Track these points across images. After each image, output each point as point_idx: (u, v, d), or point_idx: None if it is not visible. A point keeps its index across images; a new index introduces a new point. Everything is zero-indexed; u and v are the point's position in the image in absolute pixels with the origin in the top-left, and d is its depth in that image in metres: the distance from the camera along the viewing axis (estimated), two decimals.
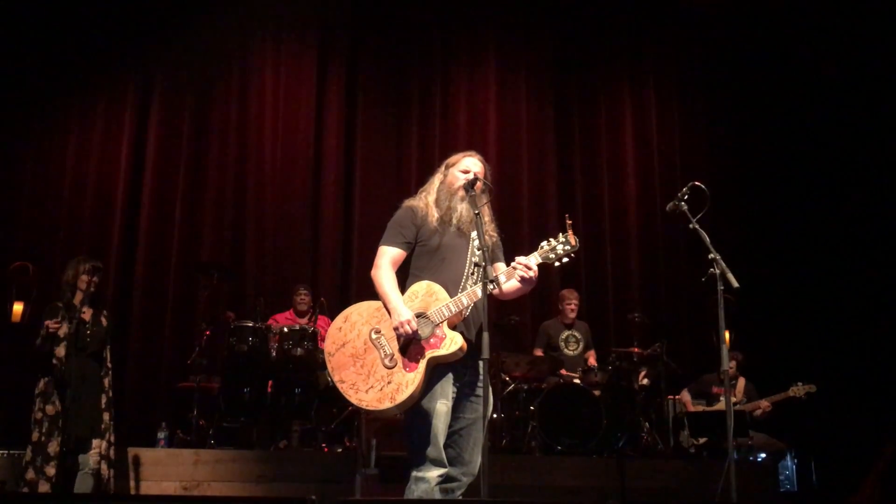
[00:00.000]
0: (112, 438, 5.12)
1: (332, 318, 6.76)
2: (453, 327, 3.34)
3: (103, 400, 5.12)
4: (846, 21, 8.70)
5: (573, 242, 3.35)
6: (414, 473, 3.30)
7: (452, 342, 3.28)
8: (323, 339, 6.30)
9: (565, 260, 3.37)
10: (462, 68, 9.14)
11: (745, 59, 9.49)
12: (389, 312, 3.36)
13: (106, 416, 5.09)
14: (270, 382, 6.58)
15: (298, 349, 6.46)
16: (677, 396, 7.35)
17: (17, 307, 7.34)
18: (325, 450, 6.26)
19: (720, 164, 9.36)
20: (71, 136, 8.37)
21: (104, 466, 5.00)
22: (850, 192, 8.64)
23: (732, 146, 9.41)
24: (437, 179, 3.65)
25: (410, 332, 3.27)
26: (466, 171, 3.57)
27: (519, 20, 9.37)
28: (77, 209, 8.17)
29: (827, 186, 8.88)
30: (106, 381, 5.17)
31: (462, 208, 3.50)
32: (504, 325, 7.14)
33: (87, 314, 5.21)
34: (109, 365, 5.25)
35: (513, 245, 7.94)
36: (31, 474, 4.89)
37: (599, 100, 9.40)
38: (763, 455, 6.92)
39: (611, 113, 9.41)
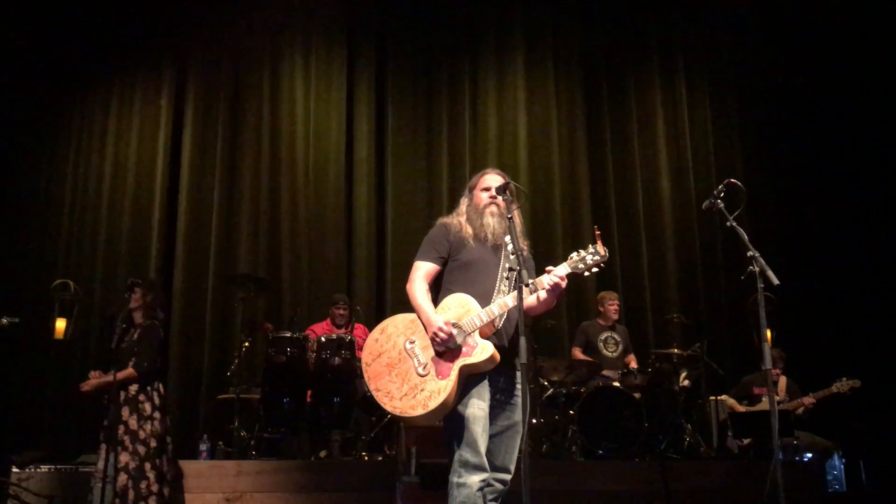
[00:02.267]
0: (132, 448, 4.96)
1: (369, 326, 6.84)
2: (486, 337, 3.37)
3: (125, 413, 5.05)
4: (877, 14, 8.55)
5: (602, 252, 3.42)
6: (455, 480, 3.30)
7: (483, 350, 3.33)
8: (360, 348, 6.33)
9: (595, 270, 3.43)
10: (490, 72, 9.10)
11: (776, 53, 9.35)
12: (423, 323, 3.43)
13: (120, 430, 4.99)
14: (309, 392, 6.60)
15: (336, 358, 6.47)
16: (720, 397, 7.23)
17: (60, 324, 7.47)
18: (366, 458, 6.27)
19: (755, 159, 9.23)
20: (107, 150, 8.56)
21: (122, 477, 4.89)
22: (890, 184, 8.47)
23: (766, 140, 9.28)
24: (464, 203, 3.76)
25: (445, 337, 3.31)
26: (488, 188, 3.66)
27: (547, 21, 9.33)
28: (115, 225, 8.34)
29: (865, 179, 8.71)
30: (122, 395, 5.08)
31: (493, 223, 3.59)
32: (540, 329, 7.09)
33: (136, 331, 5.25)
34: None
35: (548, 248, 7.94)
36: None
37: (630, 97, 9.31)
38: (809, 455, 6.78)
39: (642, 110, 9.32)
